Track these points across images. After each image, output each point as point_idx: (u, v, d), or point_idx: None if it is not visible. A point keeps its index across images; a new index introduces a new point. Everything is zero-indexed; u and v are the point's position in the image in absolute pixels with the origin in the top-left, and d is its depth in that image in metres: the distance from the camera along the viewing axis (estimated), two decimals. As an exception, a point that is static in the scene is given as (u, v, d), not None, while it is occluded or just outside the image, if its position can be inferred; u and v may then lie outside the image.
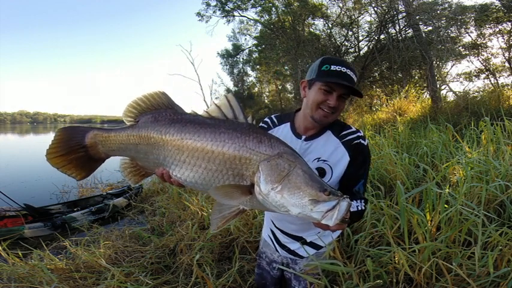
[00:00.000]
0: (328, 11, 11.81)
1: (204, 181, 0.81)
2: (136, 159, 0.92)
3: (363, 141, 1.13)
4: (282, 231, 1.30)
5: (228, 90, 20.66)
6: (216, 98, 20.10)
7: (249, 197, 0.80)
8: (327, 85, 1.04)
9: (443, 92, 9.52)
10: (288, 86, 19.97)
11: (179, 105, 0.90)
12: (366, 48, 11.32)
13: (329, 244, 1.29)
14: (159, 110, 0.87)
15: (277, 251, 1.35)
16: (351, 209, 0.95)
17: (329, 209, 0.73)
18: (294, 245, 1.29)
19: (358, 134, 1.14)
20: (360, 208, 1.03)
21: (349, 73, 1.04)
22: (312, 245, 1.27)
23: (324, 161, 1.11)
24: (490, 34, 10.13)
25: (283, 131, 1.22)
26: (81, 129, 0.93)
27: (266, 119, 1.31)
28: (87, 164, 0.92)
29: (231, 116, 0.83)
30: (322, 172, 1.11)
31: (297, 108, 1.25)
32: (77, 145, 0.89)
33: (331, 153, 1.11)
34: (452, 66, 12.05)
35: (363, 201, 1.05)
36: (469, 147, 2.99)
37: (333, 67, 1.04)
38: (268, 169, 0.76)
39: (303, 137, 1.16)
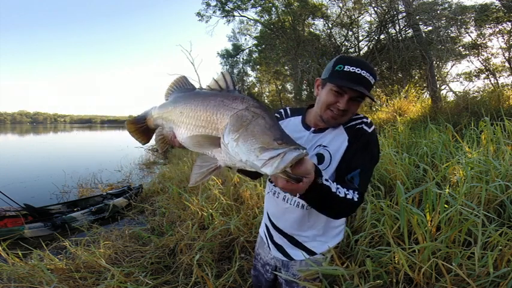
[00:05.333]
0: (328, 11, 11.83)
1: None
2: (163, 127, 1.13)
3: (365, 127, 1.07)
4: (276, 228, 1.25)
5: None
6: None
7: (219, 150, 0.85)
8: (338, 87, 1.00)
9: (443, 92, 9.55)
10: (288, 86, 19.94)
11: (194, 85, 1.13)
12: (366, 48, 11.30)
13: (326, 252, 1.20)
14: (181, 89, 1.12)
15: (270, 249, 1.29)
16: (338, 194, 0.89)
17: (272, 157, 0.68)
18: (287, 246, 1.23)
19: (363, 119, 1.08)
20: (348, 197, 0.91)
21: (364, 75, 0.98)
22: (307, 250, 1.19)
23: (324, 146, 1.08)
24: (490, 34, 10.14)
25: (294, 122, 1.22)
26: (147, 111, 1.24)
27: (280, 110, 1.31)
28: (146, 133, 1.22)
29: (225, 87, 0.94)
30: (320, 158, 1.07)
31: (309, 104, 1.24)
32: (142, 119, 1.23)
33: (333, 140, 1.08)
34: (452, 66, 12.10)
35: (355, 192, 0.95)
36: (469, 147, 2.99)
37: (346, 68, 0.99)
38: (233, 120, 0.80)
39: (312, 129, 1.15)
